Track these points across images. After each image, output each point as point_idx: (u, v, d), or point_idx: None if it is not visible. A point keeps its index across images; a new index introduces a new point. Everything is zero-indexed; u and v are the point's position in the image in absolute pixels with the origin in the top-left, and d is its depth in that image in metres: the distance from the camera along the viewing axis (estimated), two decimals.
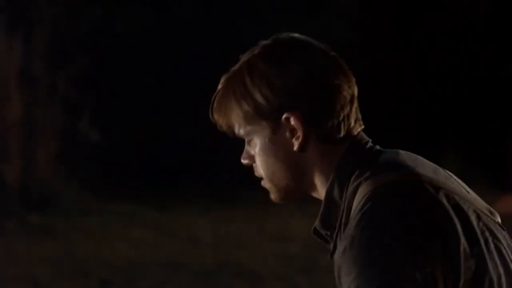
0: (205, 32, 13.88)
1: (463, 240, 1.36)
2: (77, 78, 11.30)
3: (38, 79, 11.14)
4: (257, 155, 1.48)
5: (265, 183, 1.51)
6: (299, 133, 1.45)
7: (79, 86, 11.35)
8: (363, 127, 1.51)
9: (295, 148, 1.46)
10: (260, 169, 1.49)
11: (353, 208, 1.40)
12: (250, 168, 1.53)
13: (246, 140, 1.51)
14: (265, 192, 1.51)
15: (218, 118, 1.52)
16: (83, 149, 11.66)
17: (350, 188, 1.43)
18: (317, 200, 1.49)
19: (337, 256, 1.36)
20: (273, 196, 1.51)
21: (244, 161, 1.53)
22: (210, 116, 1.53)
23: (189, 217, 10.44)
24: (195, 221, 10.15)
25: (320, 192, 1.48)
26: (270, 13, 13.57)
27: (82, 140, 11.59)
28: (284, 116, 1.45)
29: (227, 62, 1.55)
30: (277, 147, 1.46)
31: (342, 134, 1.47)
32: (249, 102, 1.46)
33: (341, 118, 1.47)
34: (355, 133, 1.49)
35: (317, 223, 1.49)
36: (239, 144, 1.56)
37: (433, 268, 1.31)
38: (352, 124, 1.48)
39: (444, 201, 1.39)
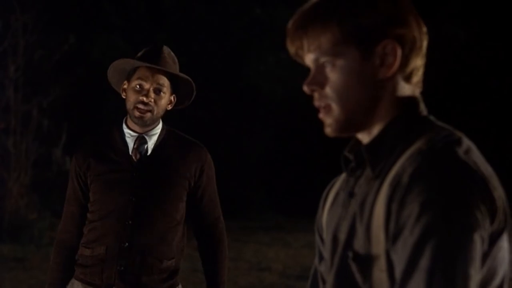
0: (182, 61, 13.86)
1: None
2: (51, 107, 11.23)
3: (12, 108, 11.06)
4: (338, 76, 1.46)
5: (331, 111, 1.48)
6: (392, 60, 1.45)
7: (53, 115, 11.29)
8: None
9: (384, 74, 1.45)
10: (332, 92, 1.47)
11: (414, 147, 1.40)
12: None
13: (319, 63, 1.48)
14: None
15: (297, 37, 1.49)
16: (56, 178, 11.57)
17: (416, 129, 1.44)
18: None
19: (410, 175, 1.34)
20: (331, 126, 1.49)
21: (310, 86, 1.49)
22: (289, 35, 1.50)
23: None
24: None
25: (375, 128, 1.48)
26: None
27: (55, 169, 11.51)
28: (384, 41, 1.44)
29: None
30: (363, 71, 1.45)
31: (416, 80, 1.50)
32: (353, 22, 1.45)
33: (420, 63, 1.49)
34: (420, 88, 1.52)
35: (347, 151, 1.53)
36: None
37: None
38: (421, 76, 1.51)
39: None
